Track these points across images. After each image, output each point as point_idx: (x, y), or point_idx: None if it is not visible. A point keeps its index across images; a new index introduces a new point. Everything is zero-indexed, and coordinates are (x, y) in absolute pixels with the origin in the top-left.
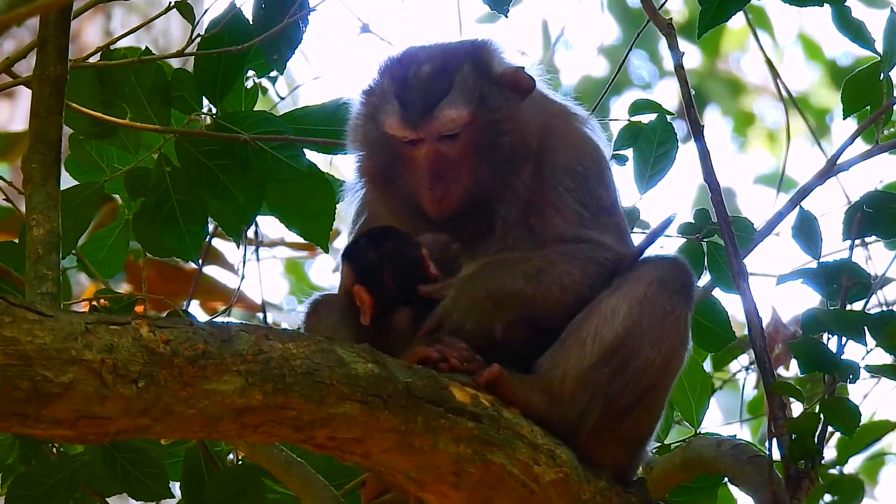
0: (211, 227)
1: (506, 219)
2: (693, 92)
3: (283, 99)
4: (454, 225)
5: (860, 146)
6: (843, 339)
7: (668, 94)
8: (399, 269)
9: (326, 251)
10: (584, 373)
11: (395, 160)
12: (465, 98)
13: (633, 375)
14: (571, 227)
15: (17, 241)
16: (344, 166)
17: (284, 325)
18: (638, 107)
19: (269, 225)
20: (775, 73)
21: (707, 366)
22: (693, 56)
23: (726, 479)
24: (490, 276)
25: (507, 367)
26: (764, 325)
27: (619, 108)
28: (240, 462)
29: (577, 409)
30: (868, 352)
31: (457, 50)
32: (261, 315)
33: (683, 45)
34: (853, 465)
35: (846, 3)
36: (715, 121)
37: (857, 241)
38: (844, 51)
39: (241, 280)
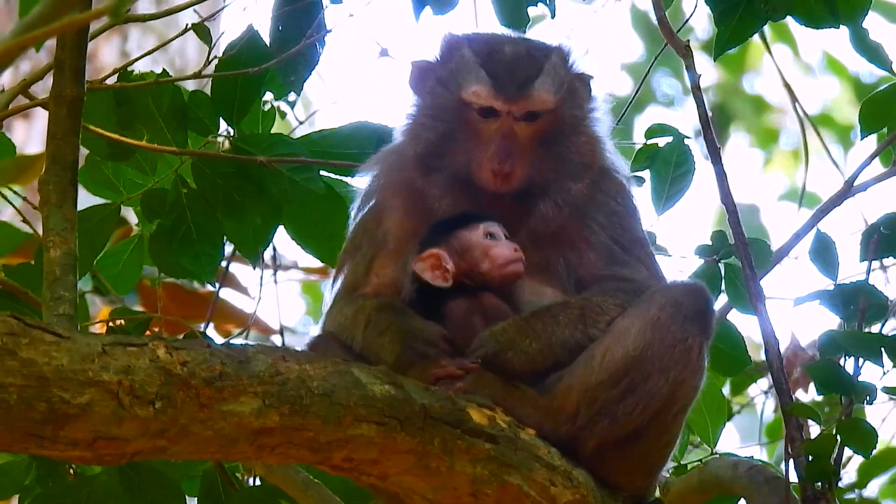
0: (226, 251)
1: (541, 219)
2: (711, 114)
3: (301, 123)
4: (492, 212)
5: (879, 167)
6: (861, 360)
7: (692, 111)
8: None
9: None
10: (591, 390)
11: (457, 130)
12: (555, 84)
13: (641, 399)
14: (606, 266)
15: (33, 262)
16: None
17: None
18: (654, 131)
19: (282, 249)
20: (793, 96)
21: (725, 390)
22: (717, 73)
23: (743, 500)
24: (541, 320)
25: (508, 382)
26: (783, 348)
27: (643, 126)
28: (255, 482)
29: (576, 426)
30: (885, 373)
31: (537, 42)
32: (277, 338)
33: (707, 62)
34: (873, 488)
35: (864, 25)
36: (740, 137)
37: (876, 263)
38: (868, 69)
39: (258, 302)
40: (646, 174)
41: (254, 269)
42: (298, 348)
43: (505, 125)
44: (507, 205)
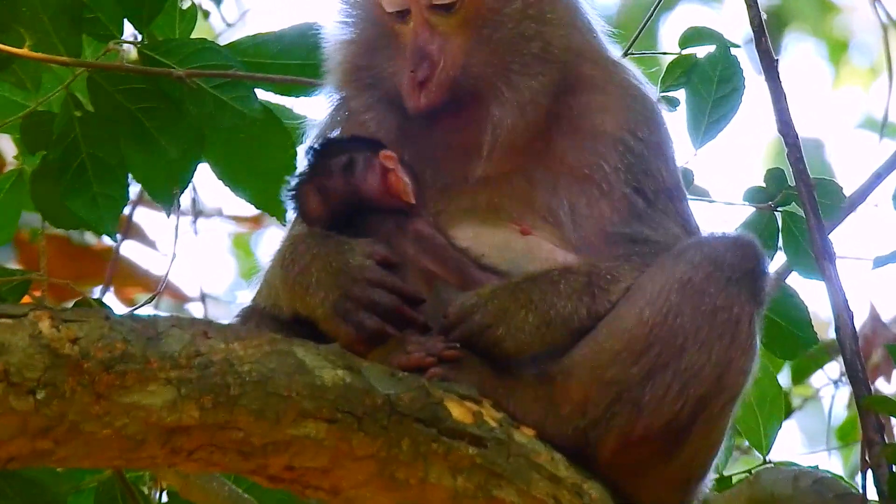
0: (132, 193)
1: (500, 127)
2: (765, 16)
3: (230, 26)
4: (437, 135)
5: None
6: None
7: (740, 12)
8: (349, 182)
9: (284, 222)
10: (601, 368)
11: (380, 41)
12: None
13: (675, 380)
14: (622, 221)
15: None
16: (310, 110)
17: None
18: (691, 37)
19: (204, 191)
20: None
21: (784, 378)
22: None
23: None
24: (537, 286)
25: (498, 365)
26: (858, 323)
27: (675, 31)
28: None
29: (588, 420)
30: None
31: None
32: (196, 307)
33: None
34: None
35: None
36: (801, 46)
37: None
38: None
39: (172, 261)
40: (680, 94)
41: (167, 216)
42: (225, 321)
43: (417, 20)
44: (450, 128)
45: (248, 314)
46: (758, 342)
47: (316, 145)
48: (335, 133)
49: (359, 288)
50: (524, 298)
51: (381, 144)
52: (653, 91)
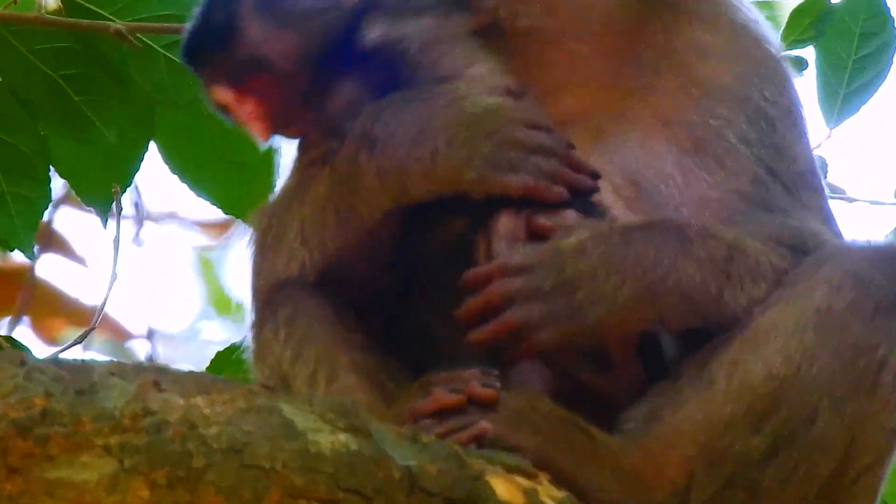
0: (54, 193)
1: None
2: None
3: None
4: None
5: None
6: None
7: None
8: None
9: None
10: (714, 438)
11: None
12: None
13: (803, 457)
14: (748, 212)
15: None
16: None
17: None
18: None
19: (149, 189)
20: None
21: None
22: None
23: None
24: (647, 244)
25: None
26: None
27: None
28: None
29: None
30: None
31: None
32: (140, 345)
33: None
34: None
35: None
36: None
37: None
38: None
39: (112, 283)
40: (808, 53)
41: (104, 225)
42: (185, 368)
43: None
44: None
45: (273, 294)
46: None
47: None
48: None
49: (521, 132)
50: (633, 255)
51: None
52: (773, 35)
